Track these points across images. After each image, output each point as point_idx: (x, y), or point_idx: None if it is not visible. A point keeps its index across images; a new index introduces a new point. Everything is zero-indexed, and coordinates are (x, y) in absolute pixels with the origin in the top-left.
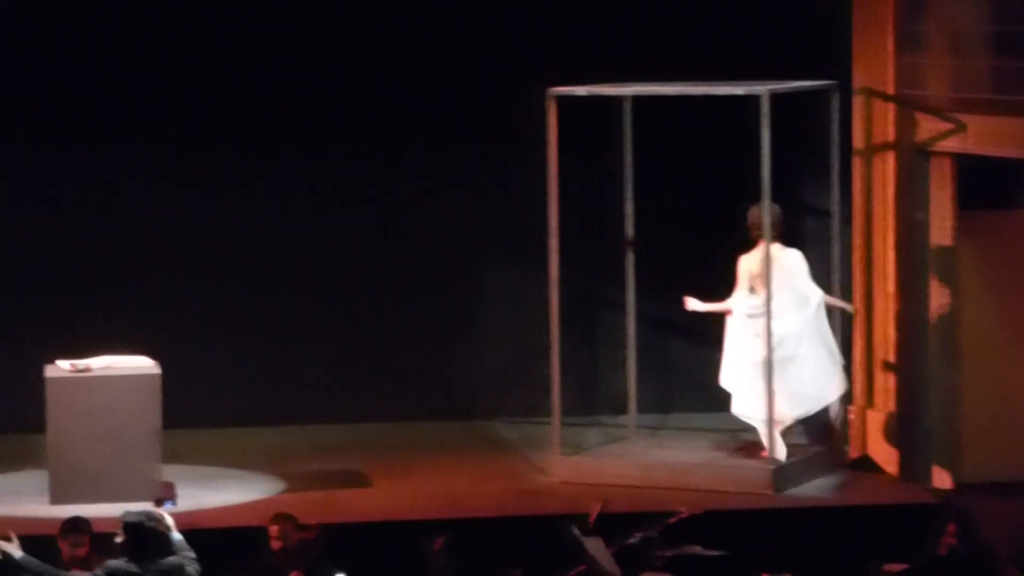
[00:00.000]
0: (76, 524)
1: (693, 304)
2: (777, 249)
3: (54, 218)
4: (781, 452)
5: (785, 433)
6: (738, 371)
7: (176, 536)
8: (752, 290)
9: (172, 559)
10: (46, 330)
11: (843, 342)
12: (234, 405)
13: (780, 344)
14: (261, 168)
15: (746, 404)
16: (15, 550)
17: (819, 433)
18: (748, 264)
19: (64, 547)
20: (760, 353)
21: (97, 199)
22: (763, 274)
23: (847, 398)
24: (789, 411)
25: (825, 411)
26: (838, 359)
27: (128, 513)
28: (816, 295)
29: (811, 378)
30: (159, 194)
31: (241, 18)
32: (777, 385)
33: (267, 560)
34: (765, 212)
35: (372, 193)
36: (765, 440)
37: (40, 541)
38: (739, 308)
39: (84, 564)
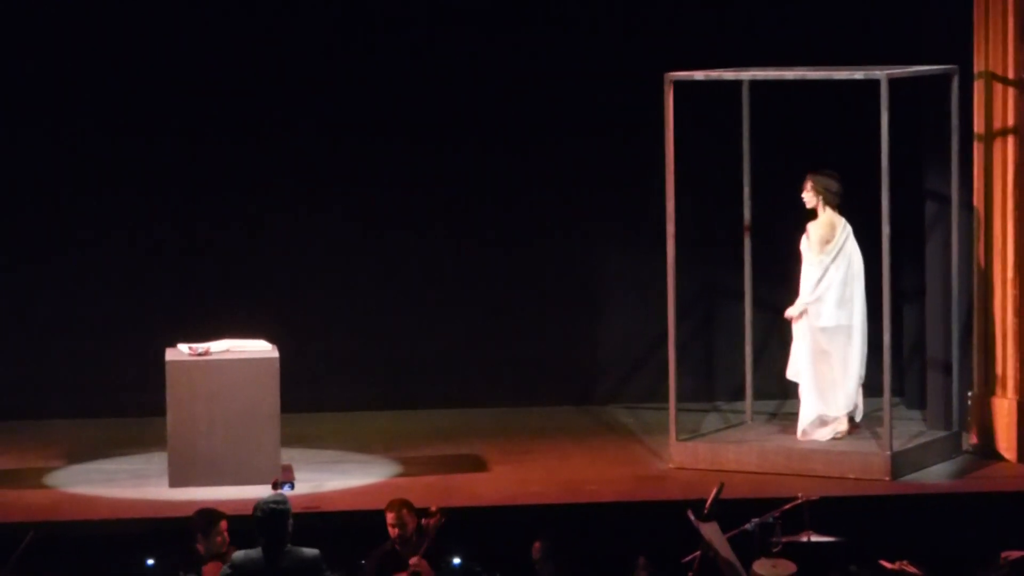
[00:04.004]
0: (210, 517)
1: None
2: (840, 219)
3: (175, 203)
4: (823, 435)
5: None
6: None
7: None
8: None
9: (310, 550)
10: (166, 314)
11: (961, 329)
12: (353, 389)
13: (831, 327)
14: (383, 156)
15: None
16: None
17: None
18: (814, 231)
19: (203, 546)
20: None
21: (218, 185)
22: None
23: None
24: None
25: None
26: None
27: (260, 500)
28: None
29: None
30: (280, 180)
31: (371, 22)
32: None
33: (386, 544)
34: (885, 198)
35: (490, 180)
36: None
37: (158, 524)
38: (803, 301)
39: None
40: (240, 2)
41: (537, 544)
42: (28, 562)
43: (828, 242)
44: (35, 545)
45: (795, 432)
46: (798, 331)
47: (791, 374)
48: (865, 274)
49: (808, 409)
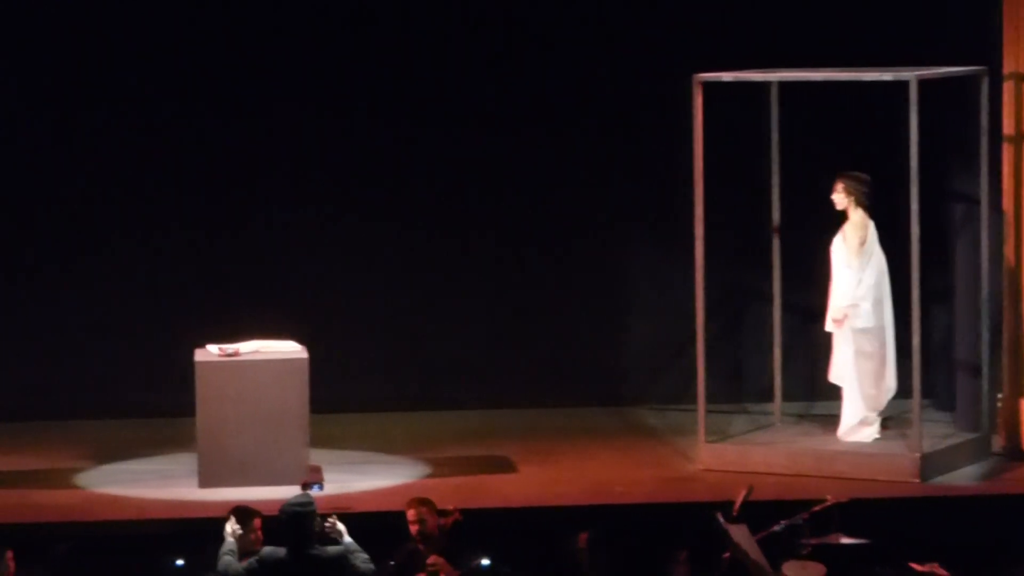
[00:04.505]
0: (245, 514)
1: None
2: (869, 220)
3: (203, 204)
4: (867, 436)
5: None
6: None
7: (347, 540)
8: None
9: (334, 548)
10: (196, 315)
11: (990, 330)
12: (381, 390)
13: (871, 328)
14: (410, 156)
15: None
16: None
17: None
18: (851, 233)
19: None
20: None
21: (246, 185)
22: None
23: None
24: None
25: None
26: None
27: (285, 503)
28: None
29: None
30: (308, 181)
31: (397, 19)
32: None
33: (409, 544)
34: (913, 199)
35: (519, 182)
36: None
37: (187, 524)
38: (838, 304)
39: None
40: (264, 7)
41: (584, 535)
42: (59, 568)
43: (864, 243)
44: (67, 555)
45: (824, 433)
46: (840, 334)
47: (834, 377)
48: (892, 275)
49: (852, 411)
